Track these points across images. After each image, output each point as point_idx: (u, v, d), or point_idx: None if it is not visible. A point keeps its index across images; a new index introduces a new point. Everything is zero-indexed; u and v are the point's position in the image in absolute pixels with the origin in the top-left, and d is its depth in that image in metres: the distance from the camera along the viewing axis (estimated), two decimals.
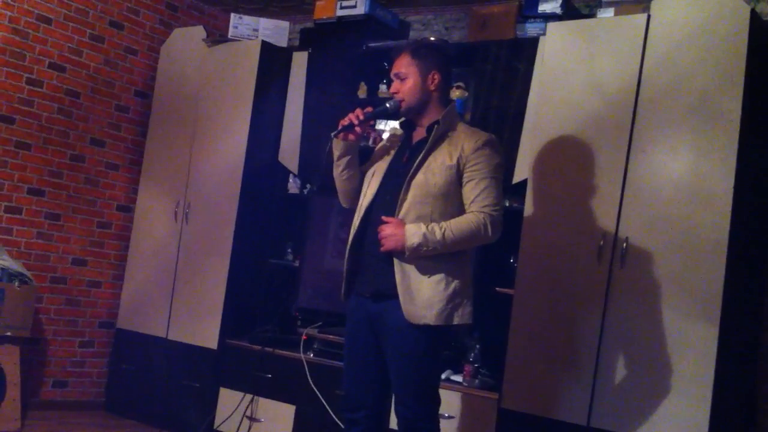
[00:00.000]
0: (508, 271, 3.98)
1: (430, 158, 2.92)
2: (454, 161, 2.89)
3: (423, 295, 2.84)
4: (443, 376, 3.97)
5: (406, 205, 2.89)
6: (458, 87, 4.34)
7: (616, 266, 3.55)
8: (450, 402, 3.87)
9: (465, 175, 2.90)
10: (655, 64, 3.58)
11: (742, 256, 3.48)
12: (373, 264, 2.95)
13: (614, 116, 3.64)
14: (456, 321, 2.88)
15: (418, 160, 2.92)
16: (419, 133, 3.04)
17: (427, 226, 2.83)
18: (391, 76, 3.04)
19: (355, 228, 3.02)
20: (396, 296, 2.85)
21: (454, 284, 2.88)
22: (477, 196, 2.88)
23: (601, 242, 3.59)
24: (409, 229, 2.83)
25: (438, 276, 2.86)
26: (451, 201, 2.90)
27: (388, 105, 3.03)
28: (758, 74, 3.47)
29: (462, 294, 2.90)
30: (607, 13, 3.90)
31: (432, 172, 2.89)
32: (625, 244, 3.53)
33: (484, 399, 3.83)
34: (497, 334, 3.88)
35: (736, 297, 3.43)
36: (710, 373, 3.27)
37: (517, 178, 3.98)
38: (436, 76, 2.99)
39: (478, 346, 3.98)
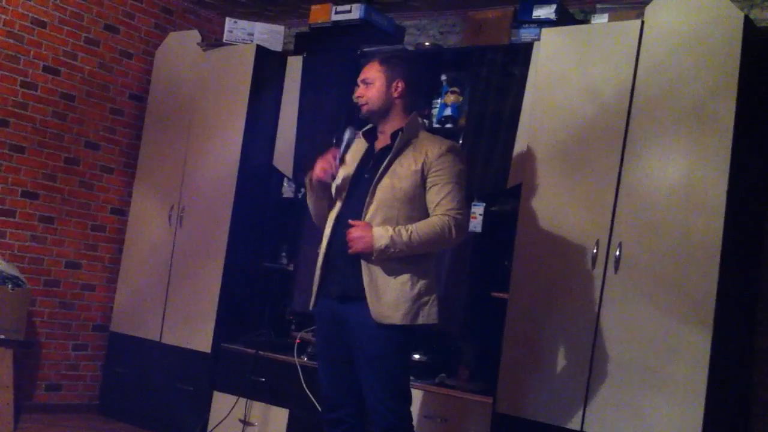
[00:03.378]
0: (502, 276, 3.99)
1: (396, 163, 3.02)
2: (419, 166, 2.99)
3: (389, 296, 2.93)
4: (437, 380, 3.98)
5: (372, 208, 2.98)
6: (453, 92, 4.35)
7: (610, 271, 3.56)
8: (444, 406, 3.87)
9: (429, 179, 3.00)
10: (649, 70, 3.59)
11: (735, 261, 3.49)
12: (340, 266, 3.03)
13: (608, 121, 3.66)
14: (421, 321, 2.97)
15: (383, 166, 3.02)
16: (382, 141, 3.14)
17: (393, 229, 2.92)
18: (359, 81, 3.15)
19: (327, 237, 3.10)
20: (362, 297, 2.94)
21: (420, 285, 2.97)
22: (441, 200, 2.99)
23: (595, 247, 3.60)
24: (376, 231, 2.92)
25: (404, 277, 2.95)
26: (415, 205, 3.00)
27: (347, 135, 3.12)
28: (752, 80, 3.49)
29: (427, 294, 2.99)
30: (601, 19, 3.91)
31: (398, 177, 2.99)
32: (618, 249, 3.54)
33: (478, 403, 3.84)
34: (491, 338, 3.89)
35: (729, 302, 3.44)
36: (704, 378, 3.28)
37: (511, 183, 3.99)
38: (399, 84, 3.10)
39: (472, 350, 3.98)
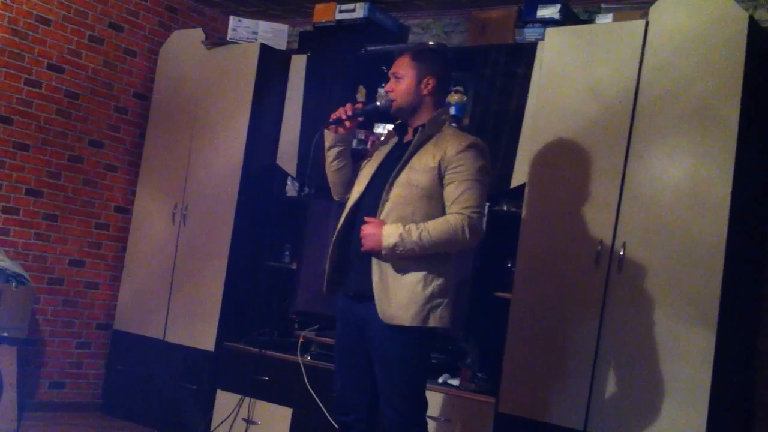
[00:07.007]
0: (506, 276, 3.98)
1: (414, 159, 2.94)
2: (436, 163, 2.90)
3: (400, 296, 2.85)
4: (440, 380, 3.98)
5: (388, 205, 2.91)
6: (457, 91, 4.34)
7: (613, 271, 3.56)
8: (447, 406, 3.87)
9: (446, 177, 2.91)
10: (653, 70, 3.58)
11: (739, 262, 3.48)
12: (356, 263, 2.97)
13: (612, 122, 3.65)
14: (431, 323, 2.87)
15: (402, 161, 2.95)
16: (409, 135, 3.07)
17: (404, 227, 2.84)
18: (389, 74, 3.07)
19: (341, 224, 3.04)
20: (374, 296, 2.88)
21: (433, 285, 2.88)
22: (458, 197, 2.88)
23: (599, 247, 3.60)
24: (386, 229, 2.85)
25: (416, 276, 2.86)
26: (433, 203, 2.91)
27: (378, 103, 3.08)
28: (756, 80, 3.48)
29: (441, 296, 2.89)
30: (605, 19, 3.90)
31: (415, 173, 2.91)
32: (622, 250, 3.54)
33: (481, 403, 3.84)
34: (495, 338, 3.89)
35: (733, 303, 3.44)
36: (707, 379, 3.28)
37: (515, 183, 3.99)
38: (430, 81, 3.01)
39: (475, 350, 3.98)
